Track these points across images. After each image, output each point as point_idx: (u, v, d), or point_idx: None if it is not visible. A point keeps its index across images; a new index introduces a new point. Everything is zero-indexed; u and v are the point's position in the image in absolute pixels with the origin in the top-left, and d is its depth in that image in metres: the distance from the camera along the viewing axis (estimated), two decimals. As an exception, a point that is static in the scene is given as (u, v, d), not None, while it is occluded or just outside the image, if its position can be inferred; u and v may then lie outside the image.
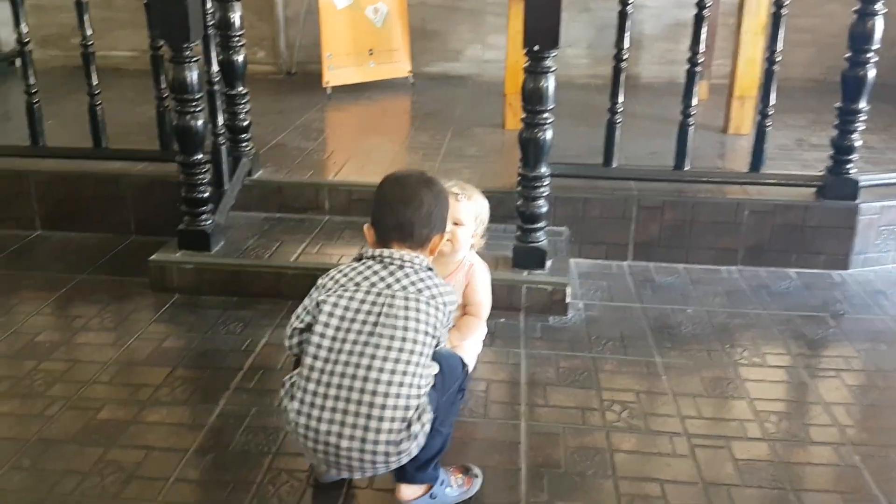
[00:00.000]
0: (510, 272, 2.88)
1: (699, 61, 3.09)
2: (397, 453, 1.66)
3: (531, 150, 2.75)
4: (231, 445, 2.13)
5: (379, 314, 1.69)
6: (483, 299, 2.42)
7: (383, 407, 1.63)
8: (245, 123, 3.34)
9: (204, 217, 2.97)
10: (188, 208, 2.96)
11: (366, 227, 1.89)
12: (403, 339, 1.67)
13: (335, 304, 1.72)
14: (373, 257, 1.79)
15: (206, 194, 2.96)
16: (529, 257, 2.86)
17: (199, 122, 2.85)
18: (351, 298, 1.72)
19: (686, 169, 3.22)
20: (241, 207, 3.34)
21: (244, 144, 3.37)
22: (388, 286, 1.72)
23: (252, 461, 2.07)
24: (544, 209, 2.85)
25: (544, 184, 2.82)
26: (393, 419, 1.63)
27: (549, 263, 2.91)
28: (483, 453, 2.11)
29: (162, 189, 3.20)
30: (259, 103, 3.88)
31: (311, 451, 1.73)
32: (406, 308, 1.69)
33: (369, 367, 1.65)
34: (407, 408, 1.65)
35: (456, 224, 2.29)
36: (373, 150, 3.96)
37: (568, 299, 2.82)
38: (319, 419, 1.67)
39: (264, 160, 3.64)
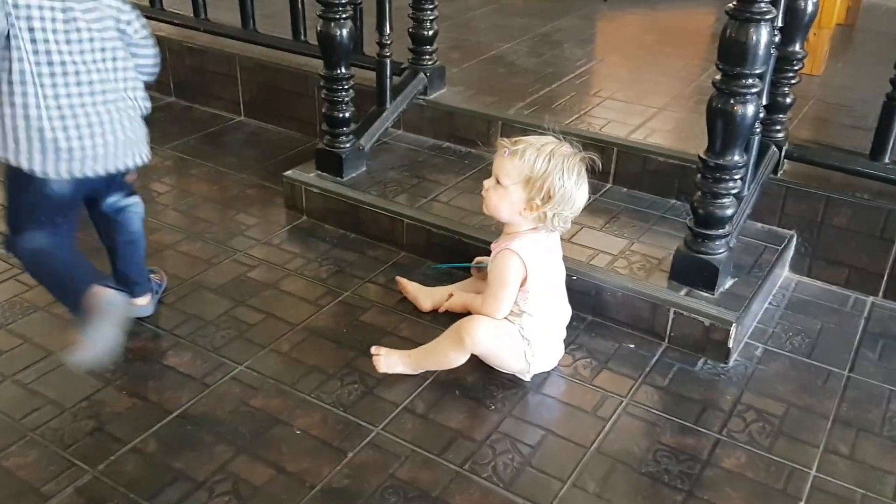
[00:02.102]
0: (661, 285, 2.04)
1: None
2: None
3: (720, 126, 1.78)
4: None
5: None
6: (492, 284, 1.77)
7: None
8: (430, 33, 2.68)
9: (342, 139, 2.43)
10: (327, 127, 2.43)
11: None
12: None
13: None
14: None
15: (347, 114, 2.41)
16: (693, 272, 1.98)
17: (344, 32, 2.29)
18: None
19: None
20: (412, 128, 2.77)
21: (426, 58, 2.72)
22: None
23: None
24: (729, 211, 1.86)
25: (734, 177, 1.83)
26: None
27: (726, 284, 1.98)
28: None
29: (358, 96, 2.64)
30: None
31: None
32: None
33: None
34: None
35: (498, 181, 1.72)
36: (598, 77, 3.05)
37: (731, 343, 1.84)
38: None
39: (457, 75, 3.02)
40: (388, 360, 1.77)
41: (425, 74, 2.74)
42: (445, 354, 1.76)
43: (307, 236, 2.41)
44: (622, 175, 2.49)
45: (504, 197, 1.68)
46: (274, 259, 2.27)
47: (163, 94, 3.42)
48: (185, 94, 3.40)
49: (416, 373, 1.76)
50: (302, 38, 2.99)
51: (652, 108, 2.75)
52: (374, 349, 1.80)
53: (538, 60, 3.20)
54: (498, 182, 1.72)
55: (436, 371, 1.80)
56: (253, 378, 1.79)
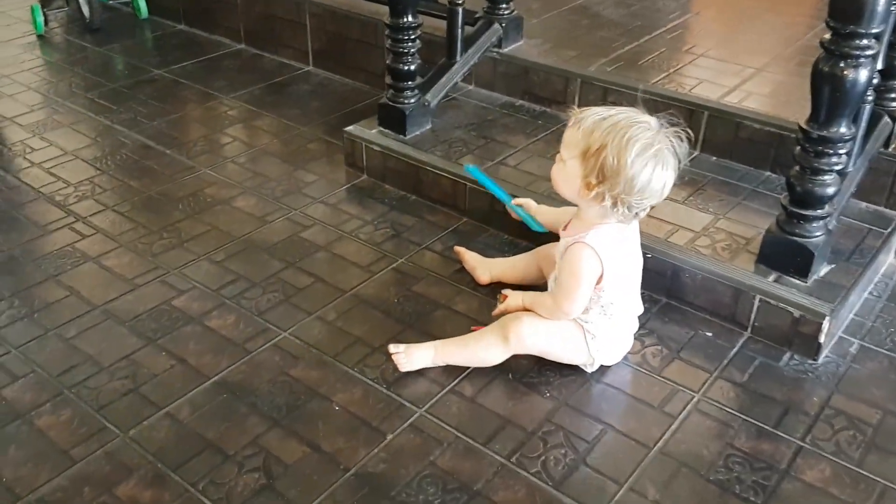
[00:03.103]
0: (747, 268, 1.85)
1: None
2: None
3: (826, 93, 1.57)
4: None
5: None
6: (565, 281, 1.59)
7: None
8: None
9: (407, 94, 2.30)
10: (391, 80, 2.31)
11: None
12: None
13: None
14: None
15: (412, 67, 2.28)
16: (785, 256, 1.79)
17: None
18: None
19: None
20: (483, 83, 2.63)
21: (502, 7, 2.57)
22: None
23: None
24: (830, 190, 1.66)
25: (839, 152, 1.62)
26: None
27: (822, 270, 1.79)
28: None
29: (425, 45, 2.47)
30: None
31: None
32: None
33: None
34: None
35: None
36: (692, 33, 2.84)
37: (822, 337, 1.64)
38: None
39: (536, 27, 2.82)
40: (412, 357, 1.62)
41: (500, 25, 2.56)
42: (485, 350, 1.60)
43: (365, 196, 2.29)
44: (712, 142, 2.27)
45: (562, 171, 1.51)
46: (329, 219, 2.17)
47: (233, 41, 3.36)
48: (255, 41, 3.31)
49: (442, 365, 1.60)
50: (373, -17, 2.83)
51: (749, 69, 2.50)
52: (391, 347, 1.63)
53: (626, 12, 2.96)
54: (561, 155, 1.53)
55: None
56: (295, 346, 1.70)
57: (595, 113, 1.42)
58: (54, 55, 3.31)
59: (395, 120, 2.36)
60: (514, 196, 1.94)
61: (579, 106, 2.49)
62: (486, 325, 1.75)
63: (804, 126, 1.65)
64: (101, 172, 2.40)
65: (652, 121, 1.42)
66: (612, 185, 1.40)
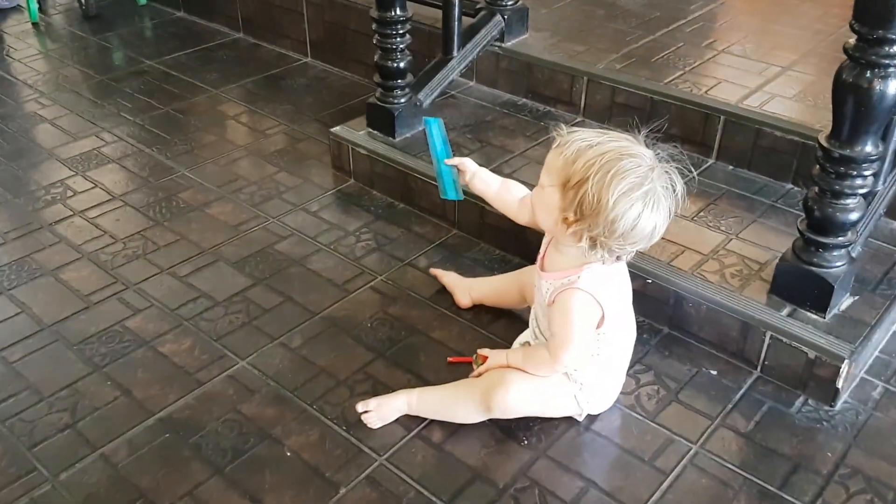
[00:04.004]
0: (758, 300, 1.65)
1: None
2: None
3: (850, 106, 1.37)
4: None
5: None
6: (561, 332, 1.38)
7: None
8: None
9: (396, 93, 2.12)
10: (379, 78, 2.12)
11: None
12: None
13: None
14: None
15: (402, 64, 2.09)
16: (800, 287, 1.60)
17: None
18: None
19: None
20: (485, 79, 2.43)
21: None
22: None
23: None
24: (853, 216, 1.46)
25: (864, 173, 1.42)
26: None
27: (842, 304, 1.61)
28: None
29: (422, 39, 2.35)
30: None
31: None
32: None
33: None
34: None
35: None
36: (716, 25, 2.62)
37: (840, 382, 1.44)
38: None
39: (544, 18, 2.62)
40: (383, 413, 1.45)
41: (503, 17, 2.36)
42: (463, 412, 1.44)
43: (351, 204, 2.12)
44: (728, 150, 2.05)
45: (541, 198, 1.31)
46: (308, 229, 2.00)
47: (231, 29, 3.19)
48: (253, 30, 3.15)
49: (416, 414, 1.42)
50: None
51: (775, 67, 2.26)
52: (360, 406, 1.46)
53: (645, 1, 2.73)
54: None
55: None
56: (252, 378, 1.54)
57: (582, 138, 1.22)
58: (47, 44, 3.18)
59: (383, 121, 2.18)
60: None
61: (585, 107, 2.32)
62: (463, 356, 1.57)
63: (824, 143, 1.43)
64: (74, 174, 2.26)
65: (646, 154, 1.21)
66: (591, 225, 1.21)
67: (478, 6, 2.41)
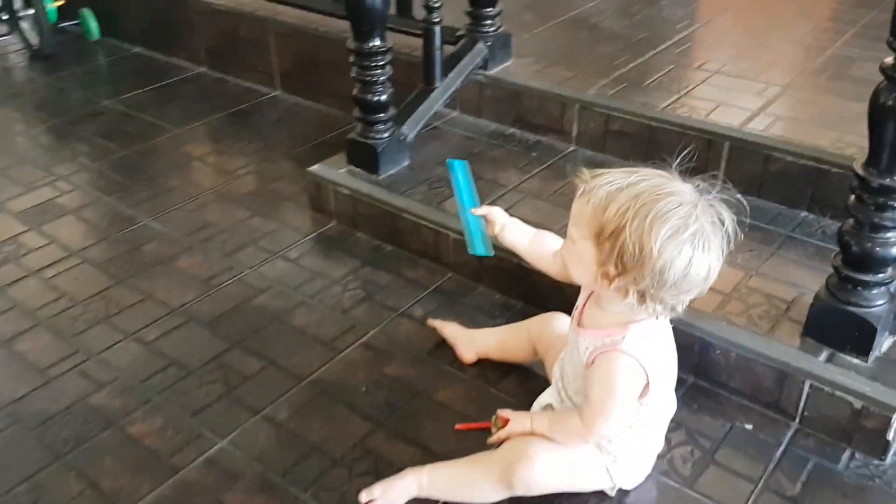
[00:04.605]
0: (791, 343, 1.50)
1: None
2: None
3: (890, 132, 1.22)
4: None
5: None
6: (599, 400, 1.21)
7: None
8: None
9: (378, 128, 1.93)
10: (360, 113, 1.93)
11: None
12: None
13: None
14: None
15: (383, 97, 1.91)
16: (838, 329, 1.46)
17: None
18: None
19: None
20: (469, 109, 2.26)
21: (487, 23, 2.19)
22: None
23: None
24: (895, 250, 1.28)
25: (911, 203, 1.24)
26: None
27: (885, 345, 1.46)
28: None
29: (401, 69, 2.14)
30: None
31: None
32: None
33: None
34: None
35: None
36: (707, 44, 2.51)
37: (891, 433, 1.28)
38: None
39: (527, 43, 2.48)
40: (390, 497, 1.29)
41: (486, 44, 2.20)
42: (480, 488, 1.27)
43: (333, 248, 1.93)
44: (736, 177, 1.88)
45: (573, 253, 1.14)
46: (289, 279, 1.80)
47: (193, 63, 2.99)
48: (216, 64, 2.96)
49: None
50: (342, -2, 2.45)
51: (774, 87, 2.14)
52: (363, 496, 1.29)
53: (629, 23, 2.60)
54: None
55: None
56: (234, 461, 1.35)
57: (609, 181, 1.06)
58: (-4, 86, 2.95)
59: (366, 158, 2.00)
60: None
61: (578, 135, 2.17)
62: (474, 422, 1.39)
63: (861, 172, 1.29)
64: (28, 229, 2.04)
65: (685, 190, 1.05)
66: (637, 278, 1.04)
67: (458, 33, 2.25)
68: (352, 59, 1.93)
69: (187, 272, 1.89)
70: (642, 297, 1.09)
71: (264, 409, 1.49)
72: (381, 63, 1.91)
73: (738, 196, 1.11)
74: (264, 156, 2.39)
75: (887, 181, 1.29)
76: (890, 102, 1.23)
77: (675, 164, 1.11)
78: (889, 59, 1.23)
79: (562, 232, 1.26)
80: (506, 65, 2.31)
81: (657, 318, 1.16)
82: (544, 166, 2.07)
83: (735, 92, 2.15)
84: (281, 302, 1.78)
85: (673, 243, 1.04)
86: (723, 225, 1.09)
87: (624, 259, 1.06)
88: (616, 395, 1.15)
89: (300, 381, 1.56)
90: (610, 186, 1.08)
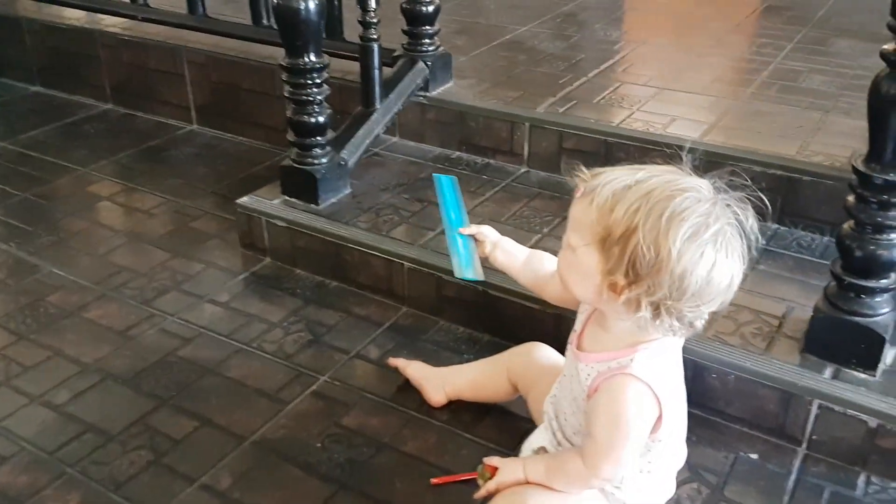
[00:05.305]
0: (790, 361, 1.38)
1: None
2: None
3: (893, 124, 1.04)
4: None
5: None
6: (604, 434, 1.04)
7: None
8: (430, 8, 1.98)
9: (316, 152, 1.73)
10: (294, 136, 1.73)
11: None
12: None
13: None
14: None
15: (321, 119, 1.72)
16: (842, 342, 1.34)
17: (311, 4, 1.54)
18: None
19: None
20: (410, 134, 2.10)
21: (426, 42, 2.04)
22: None
23: None
24: None
25: (913, 203, 1.13)
26: None
27: (889, 356, 1.33)
28: None
29: (333, 94, 1.93)
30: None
31: None
32: None
33: None
34: None
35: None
36: (649, 62, 2.44)
37: None
38: None
39: (465, 65, 2.38)
40: None
41: (426, 64, 2.05)
42: None
43: (270, 288, 1.71)
44: None
45: (573, 264, 0.98)
46: (220, 325, 1.57)
47: (98, 101, 2.74)
48: (124, 99, 2.71)
49: None
50: (264, 22, 2.28)
51: (725, 100, 2.08)
52: None
53: (565, 45, 2.52)
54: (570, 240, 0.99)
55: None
56: (168, 545, 1.08)
57: (614, 178, 0.92)
58: None
59: (303, 186, 1.80)
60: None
61: (530, 155, 2.03)
62: (450, 474, 1.19)
63: (862, 168, 1.17)
64: None
65: (702, 185, 0.90)
66: (652, 288, 0.89)
67: (395, 54, 2.09)
68: (284, 77, 1.74)
69: (100, 323, 1.63)
70: (657, 310, 0.93)
71: (201, 477, 1.25)
72: (317, 81, 1.74)
73: (760, 194, 0.96)
74: (183, 193, 2.16)
75: (891, 176, 1.18)
76: (893, 91, 1.13)
77: (685, 159, 0.95)
78: (889, 46, 1.13)
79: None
80: (447, 86, 2.17)
81: (673, 336, 0.99)
82: (497, 189, 1.92)
83: (687, 106, 2.07)
84: (212, 351, 1.54)
85: (694, 245, 0.89)
86: (742, 228, 0.94)
87: (636, 265, 0.90)
88: (625, 427, 0.99)
89: (242, 442, 1.32)
90: (616, 184, 0.93)
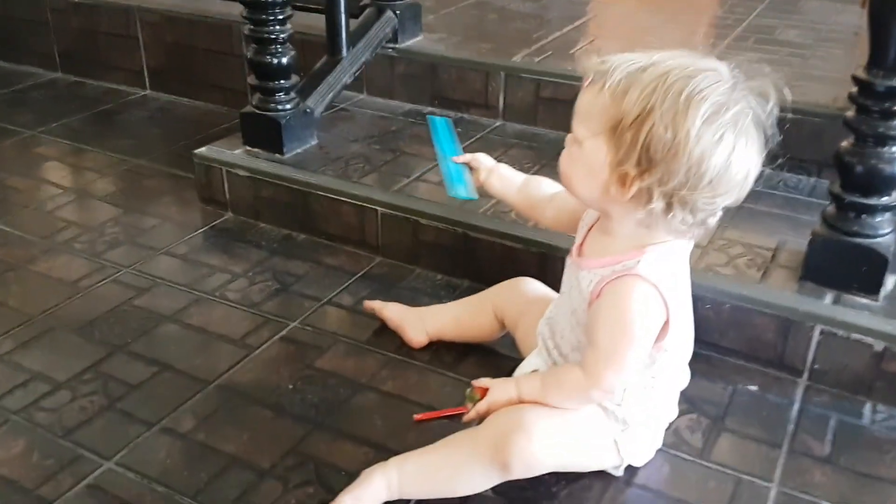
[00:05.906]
0: (789, 288, 1.32)
1: None
2: None
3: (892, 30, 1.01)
4: None
5: None
6: (607, 339, 0.97)
7: None
8: None
9: (280, 97, 1.62)
10: (256, 80, 1.62)
11: None
12: None
13: None
14: None
15: (284, 59, 1.60)
16: (843, 266, 1.29)
17: None
18: None
19: None
20: (379, 90, 2.00)
21: None
22: None
23: None
24: None
25: (915, 110, 1.07)
26: None
27: (888, 283, 1.23)
28: None
29: (300, 49, 1.85)
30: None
31: None
32: None
33: None
34: None
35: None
36: (622, 20, 2.44)
37: None
38: None
39: (434, 22, 2.30)
40: (357, 496, 0.99)
41: (394, 13, 1.95)
42: (467, 476, 1.01)
43: (232, 241, 1.60)
44: None
45: (578, 159, 0.92)
46: (178, 276, 1.46)
47: (46, 69, 2.61)
48: (74, 66, 2.58)
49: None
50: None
51: (702, 49, 1.98)
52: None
53: (536, 5, 2.48)
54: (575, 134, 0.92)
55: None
56: (125, 485, 1.03)
57: (627, 60, 0.87)
58: None
59: (267, 134, 1.70)
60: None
61: (505, 107, 1.95)
62: (434, 410, 1.09)
63: (864, 76, 1.12)
64: None
65: (721, 68, 0.85)
66: (666, 176, 0.83)
67: (362, 3, 2.00)
68: (244, 13, 1.64)
69: (47, 276, 1.51)
70: (669, 202, 0.86)
71: (161, 421, 1.15)
72: (279, 16, 1.65)
73: (778, 84, 0.89)
74: (136, 152, 2.06)
75: (892, 81, 1.11)
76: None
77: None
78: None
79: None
80: (416, 39, 2.09)
81: (682, 238, 0.92)
82: (472, 140, 1.85)
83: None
84: (171, 301, 1.43)
85: (713, 127, 0.84)
86: (759, 118, 0.87)
87: (651, 151, 0.84)
88: (629, 330, 0.92)
89: (206, 385, 1.22)
90: (630, 66, 0.87)
